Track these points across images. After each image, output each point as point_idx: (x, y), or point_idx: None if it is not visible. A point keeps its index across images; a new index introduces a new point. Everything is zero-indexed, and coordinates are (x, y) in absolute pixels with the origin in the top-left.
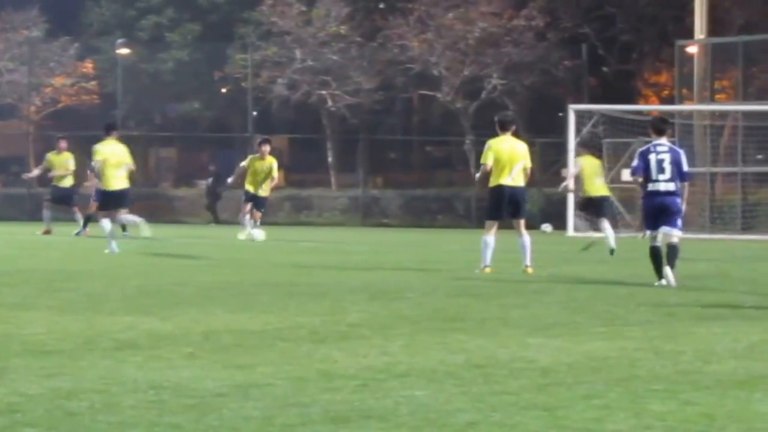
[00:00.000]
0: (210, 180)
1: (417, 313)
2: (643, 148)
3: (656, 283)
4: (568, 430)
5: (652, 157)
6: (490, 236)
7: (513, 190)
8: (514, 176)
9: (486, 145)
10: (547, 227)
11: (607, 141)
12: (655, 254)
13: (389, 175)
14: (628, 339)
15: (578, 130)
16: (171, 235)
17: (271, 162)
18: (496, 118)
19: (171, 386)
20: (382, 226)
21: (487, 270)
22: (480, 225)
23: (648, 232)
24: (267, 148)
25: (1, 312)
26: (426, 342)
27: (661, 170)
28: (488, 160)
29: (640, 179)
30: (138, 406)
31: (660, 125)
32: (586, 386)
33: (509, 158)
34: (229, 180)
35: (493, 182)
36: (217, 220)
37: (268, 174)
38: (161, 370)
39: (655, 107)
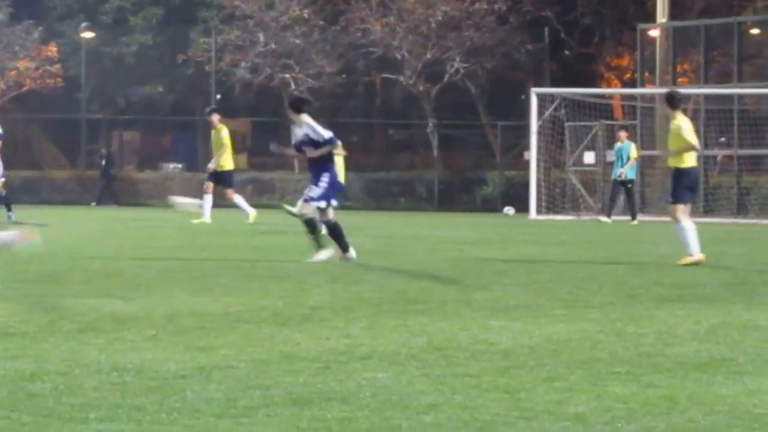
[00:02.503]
0: (103, 163)
1: (378, 296)
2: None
3: (341, 257)
4: (529, 412)
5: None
6: (689, 221)
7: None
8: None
9: (687, 124)
10: (509, 210)
11: (569, 124)
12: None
13: (351, 158)
14: (589, 321)
15: (540, 114)
16: (133, 217)
17: None
18: (670, 94)
19: (134, 368)
20: (344, 209)
21: (702, 256)
22: (442, 208)
23: (325, 203)
24: None
25: None
26: (387, 324)
27: None
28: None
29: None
30: (101, 387)
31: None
32: (548, 369)
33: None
34: None
35: (685, 163)
36: (117, 202)
37: None
38: (124, 352)
39: (617, 90)
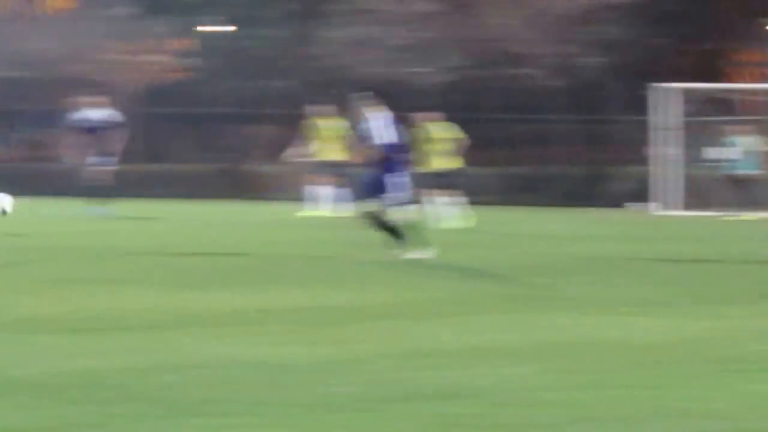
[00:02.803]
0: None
1: (509, 292)
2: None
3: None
4: (666, 409)
5: None
6: None
7: None
8: None
9: None
10: (637, 206)
11: (695, 119)
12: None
13: (481, 153)
14: (727, 318)
15: (667, 109)
16: (261, 211)
17: None
18: None
19: (269, 362)
20: (474, 204)
21: None
22: (571, 204)
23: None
24: None
25: (99, 288)
26: (519, 320)
27: None
28: None
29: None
30: (234, 381)
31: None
32: (687, 365)
33: None
34: None
35: None
36: (240, 196)
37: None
38: (258, 346)
39: (745, 86)
